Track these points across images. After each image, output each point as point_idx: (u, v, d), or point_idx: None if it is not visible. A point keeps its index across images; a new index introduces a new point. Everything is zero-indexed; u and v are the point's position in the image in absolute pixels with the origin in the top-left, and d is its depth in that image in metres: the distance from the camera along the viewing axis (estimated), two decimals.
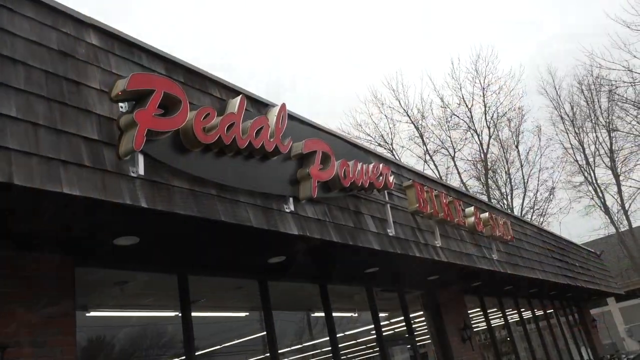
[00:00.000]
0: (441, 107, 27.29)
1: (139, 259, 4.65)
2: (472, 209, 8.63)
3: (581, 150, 26.77)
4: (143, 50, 4.18)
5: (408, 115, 26.86)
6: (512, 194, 27.54)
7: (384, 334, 7.75)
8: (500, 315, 11.98)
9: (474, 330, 10.18)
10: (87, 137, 3.41)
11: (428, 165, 27.08)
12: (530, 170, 28.03)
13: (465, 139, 27.21)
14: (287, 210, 4.81)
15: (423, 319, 9.27)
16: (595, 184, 26.36)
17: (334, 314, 6.88)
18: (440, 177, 25.67)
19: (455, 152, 27.10)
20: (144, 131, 3.43)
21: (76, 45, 3.69)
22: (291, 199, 4.90)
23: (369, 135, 26.96)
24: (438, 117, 27.68)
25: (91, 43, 3.80)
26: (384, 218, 6.37)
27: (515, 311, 12.84)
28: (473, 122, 27.02)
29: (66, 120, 3.34)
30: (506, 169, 27.76)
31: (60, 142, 3.24)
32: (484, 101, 26.84)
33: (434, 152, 27.15)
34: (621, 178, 25.50)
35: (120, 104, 3.69)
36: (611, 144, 25.48)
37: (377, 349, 7.57)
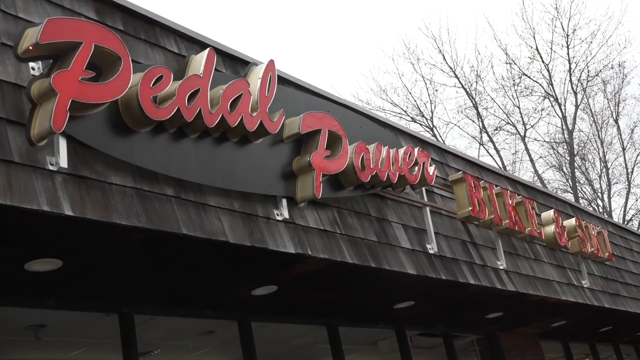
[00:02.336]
0: (506, 63, 27.27)
1: (62, 291, 4.66)
2: (551, 213, 8.62)
3: None
4: None
5: (456, 76, 26.87)
6: (609, 191, 27.53)
7: None
8: None
9: None
10: None
11: (486, 149, 27.13)
12: (637, 157, 28.01)
13: (542, 110, 27.22)
14: (279, 218, 4.82)
15: None
16: None
17: None
18: (504, 167, 25.69)
19: (526, 130, 27.11)
20: (66, 104, 3.44)
21: None
22: (284, 201, 4.91)
23: (397, 105, 27.02)
24: (501, 79, 27.64)
25: None
26: (422, 228, 6.38)
27: None
28: (552, 85, 26.97)
29: None
30: (601, 155, 27.75)
31: None
32: (568, 54, 26.77)
33: (495, 130, 27.15)
34: None
35: (32, 64, 3.69)
36: None
37: None
